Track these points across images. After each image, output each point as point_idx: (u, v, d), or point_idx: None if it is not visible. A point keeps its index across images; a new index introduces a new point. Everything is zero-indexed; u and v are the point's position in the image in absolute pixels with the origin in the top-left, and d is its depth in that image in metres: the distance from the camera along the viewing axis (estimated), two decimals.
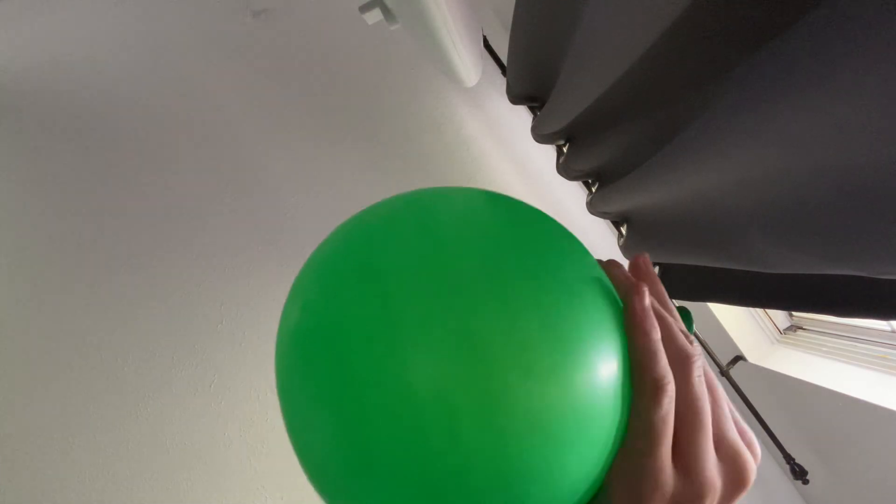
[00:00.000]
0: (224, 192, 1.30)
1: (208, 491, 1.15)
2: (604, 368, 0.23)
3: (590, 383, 0.22)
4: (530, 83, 0.99)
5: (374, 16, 0.79)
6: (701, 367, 0.25)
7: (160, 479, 1.15)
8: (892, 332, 0.96)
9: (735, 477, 0.23)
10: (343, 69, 1.38)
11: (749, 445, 0.25)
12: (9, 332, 1.19)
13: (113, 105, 1.30)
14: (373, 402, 0.21)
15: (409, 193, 0.32)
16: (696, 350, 0.26)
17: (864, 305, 0.54)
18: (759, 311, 1.24)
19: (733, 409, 0.27)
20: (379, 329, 0.22)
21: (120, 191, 1.27)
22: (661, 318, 0.27)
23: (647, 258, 0.33)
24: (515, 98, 1.11)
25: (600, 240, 1.41)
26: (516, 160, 1.41)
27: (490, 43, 1.26)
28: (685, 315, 0.34)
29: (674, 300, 1.20)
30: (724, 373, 1.18)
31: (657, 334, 0.25)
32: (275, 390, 0.31)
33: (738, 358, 1.22)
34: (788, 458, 1.12)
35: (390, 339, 0.22)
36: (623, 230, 1.03)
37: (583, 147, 0.94)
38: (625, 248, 1.03)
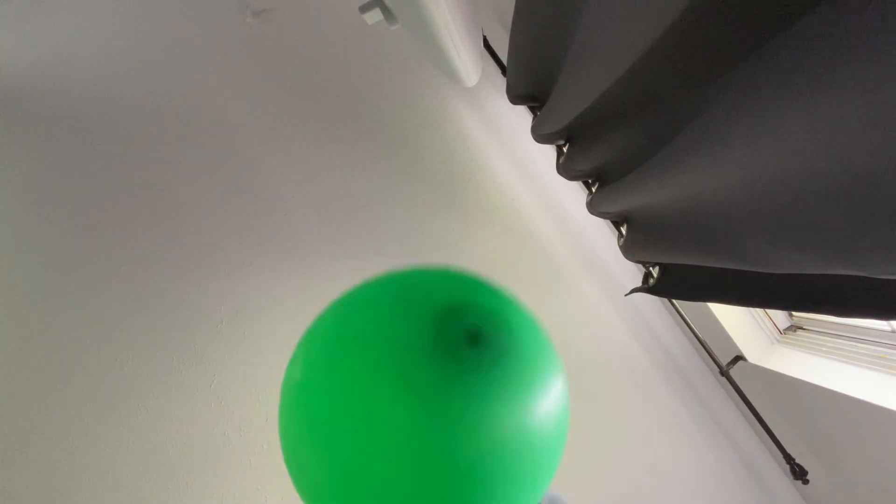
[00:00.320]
0: (224, 191, 1.30)
1: (208, 491, 1.15)
2: None
3: None
4: (530, 83, 0.99)
5: (374, 16, 0.79)
6: None
7: (160, 479, 1.15)
8: (892, 332, 0.96)
9: None
10: (343, 69, 1.38)
11: None
12: (8, 332, 1.19)
13: (112, 105, 1.30)
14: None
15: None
16: None
17: (864, 305, 0.54)
18: (759, 311, 1.24)
19: None
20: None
21: (120, 191, 1.27)
22: None
23: None
24: (515, 98, 1.11)
25: (600, 240, 1.42)
26: (516, 160, 1.41)
27: (490, 43, 1.26)
28: None
29: (674, 300, 1.21)
30: (724, 373, 1.18)
31: None
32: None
33: (738, 358, 1.22)
34: (788, 458, 1.12)
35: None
36: (623, 230, 1.03)
37: (583, 147, 0.94)
38: (625, 248, 1.03)
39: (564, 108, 0.86)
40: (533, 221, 1.38)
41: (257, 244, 1.28)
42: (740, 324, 1.24)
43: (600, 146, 0.85)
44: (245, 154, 1.32)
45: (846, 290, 0.56)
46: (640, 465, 1.28)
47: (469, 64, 0.96)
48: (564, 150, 1.05)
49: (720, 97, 0.46)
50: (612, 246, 1.39)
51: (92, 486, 1.14)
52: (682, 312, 1.22)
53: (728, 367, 1.19)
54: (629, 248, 1.00)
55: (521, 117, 1.42)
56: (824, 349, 1.11)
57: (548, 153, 1.34)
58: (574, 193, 1.42)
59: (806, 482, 1.11)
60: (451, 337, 0.30)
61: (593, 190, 1.03)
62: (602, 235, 1.42)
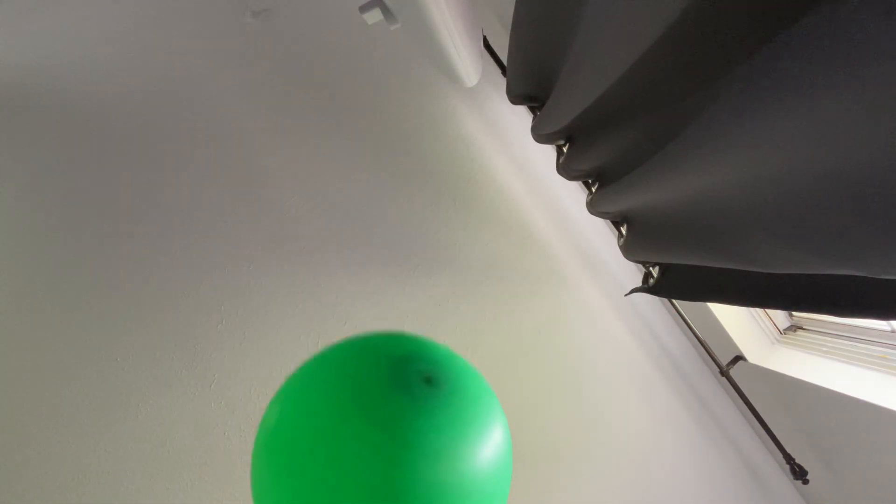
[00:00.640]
0: (223, 192, 1.30)
1: (208, 491, 1.15)
2: None
3: None
4: (530, 83, 0.99)
5: (374, 16, 0.79)
6: None
7: (160, 479, 1.15)
8: (892, 332, 0.96)
9: None
10: (343, 69, 1.38)
11: None
12: (8, 332, 1.19)
13: (112, 105, 1.30)
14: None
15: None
16: None
17: (864, 305, 0.54)
18: (759, 311, 1.24)
19: None
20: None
21: (119, 191, 1.27)
22: None
23: None
24: (515, 98, 1.11)
25: (600, 240, 1.42)
26: (516, 160, 1.41)
27: (490, 43, 1.26)
28: None
29: (674, 300, 1.21)
30: (724, 373, 1.18)
31: None
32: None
33: (738, 358, 1.22)
34: (788, 458, 1.12)
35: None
36: (623, 230, 1.03)
37: (583, 147, 0.94)
38: (625, 248, 1.03)
39: (564, 108, 0.86)
40: (533, 221, 1.38)
41: (257, 244, 1.28)
42: (740, 324, 1.24)
43: (600, 146, 0.85)
44: (244, 154, 1.32)
45: (846, 290, 0.56)
46: (639, 465, 1.28)
47: (469, 64, 0.96)
48: (564, 150, 1.05)
49: (720, 97, 0.46)
50: (612, 246, 1.39)
51: (91, 486, 1.14)
52: (682, 312, 1.22)
53: (728, 367, 1.19)
54: (629, 248, 1.00)
55: (521, 117, 1.42)
56: (824, 349, 1.11)
57: (548, 153, 1.34)
58: (574, 193, 1.42)
59: (806, 482, 1.11)
60: (409, 379, 0.36)
61: (593, 190, 1.03)
62: (602, 235, 1.42)
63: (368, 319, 1.27)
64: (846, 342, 1.06)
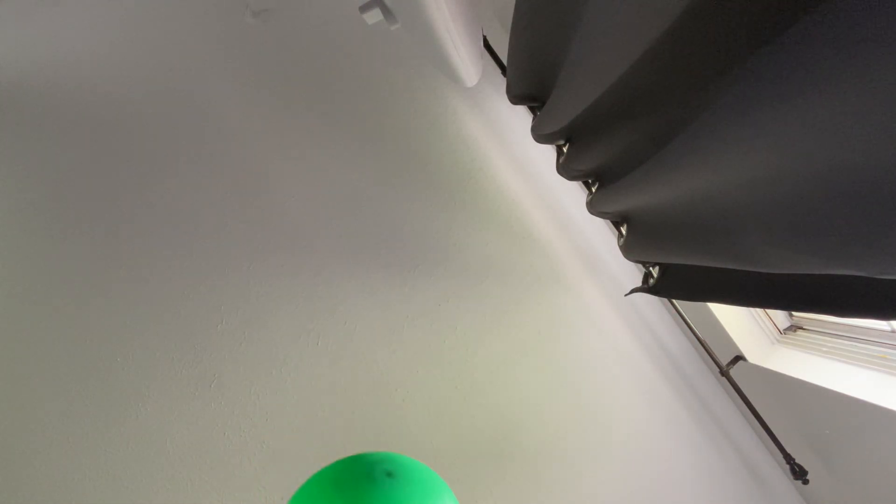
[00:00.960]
0: (223, 192, 1.30)
1: (208, 490, 1.15)
2: None
3: None
4: (530, 83, 0.99)
5: (374, 16, 0.79)
6: None
7: (160, 479, 1.15)
8: (892, 332, 0.96)
9: None
10: (343, 69, 1.38)
11: None
12: (8, 332, 1.19)
13: (111, 105, 1.30)
14: None
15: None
16: None
17: (864, 305, 0.54)
18: (759, 311, 1.24)
19: None
20: None
21: (119, 191, 1.27)
22: None
23: None
24: (515, 98, 1.11)
25: (600, 240, 1.42)
26: (516, 160, 1.41)
27: (490, 43, 1.26)
28: None
29: (674, 300, 1.21)
30: (724, 373, 1.18)
31: None
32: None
33: (738, 358, 1.22)
34: (788, 458, 1.12)
35: None
36: (623, 230, 1.03)
37: (583, 147, 0.94)
38: (625, 248, 1.03)
39: (564, 108, 0.86)
40: (533, 221, 1.38)
41: (257, 244, 1.28)
42: (740, 324, 1.24)
43: (600, 146, 0.85)
44: (245, 154, 1.32)
45: (846, 290, 0.56)
46: (639, 465, 1.28)
47: (469, 64, 0.96)
48: (564, 150, 1.05)
49: (720, 97, 0.46)
50: (612, 246, 1.39)
51: (92, 486, 1.14)
52: (682, 312, 1.22)
53: (728, 367, 1.19)
54: (629, 248, 1.00)
55: (521, 117, 1.42)
56: (824, 349, 1.11)
57: (548, 153, 1.34)
58: (574, 193, 1.42)
59: (806, 482, 1.11)
60: (376, 474, 0.54)
61: (593, 190, 1.03)
62: (602, 235, 1.42)
63: (368, 319, 1.27)
64: (846, 342, 1.06)
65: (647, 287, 1.04)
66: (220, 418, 1.19)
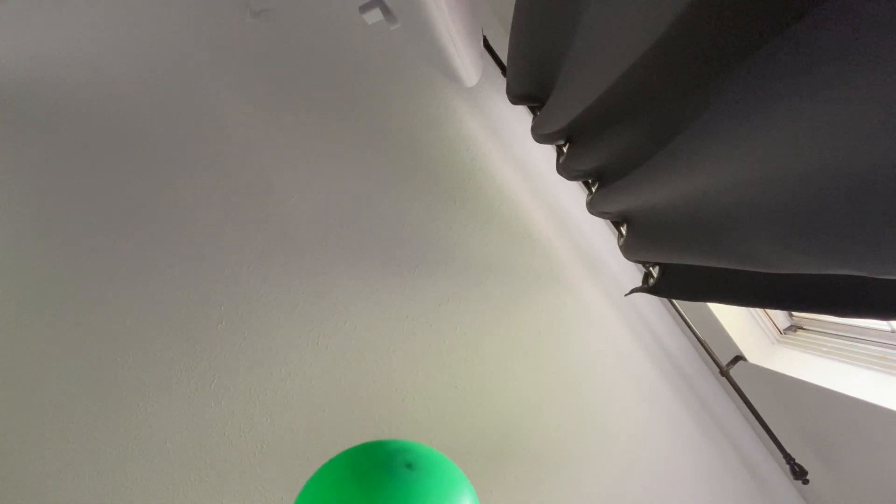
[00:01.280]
0: (224, 192, 1.30)
1: (208, 491, 1.15)
2: None
3: None
4: (530, 83, 0.99)
5: (374, 16, 0.79)
6: None
7: (160, 479, 1.15)
8: (892, 332, 0.96)
9: None
10: (342, 69, 1.38)
11: None
12: (8, 332, 1.19)
13: (111, 106, 1.30)
14: None
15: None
16: None
17: (864, 305, 0.54)
18: (759, 311, 1.24)
19: None
20: None
21: (119, 192, 1.27)
22: None
23: None
24: (515, 98, 1.11)
25: (600, 240, 1.42)
26: (516, 160, 1.41)
27: (490, 43, 1.26)
28: None
29: (674, 300, 1.21)
30: (724, 373, 1.18)
31: None
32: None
33: (738, 358, 1.22)
34: (788, 458, 1.12)
35: None
36: (623, 230, 1.03)
37: (583, 147, 0.94)
38: (625, 248, 1.03)
39: (564, 108, 0.86)
40: (533, 221, 1.38)
41: (257, 244, 1.28)
42: (740, 324, 1.24)
43: (600, 146, 0.85)
44: (244, 154, 1.32)
45: (846, 290, 0.56)
46: (639, 465, 1.28)
47: (469, 64, 0.96)
48: (564, 150, 1.05)
49: (720, 97, 0.46)
50: (612, 246, 1.39)
51: (92, 486, 1.14)
52: (682, 312, 1.22)
53: (728, 367, 1.19)
54: (629, 248, 1.00)
55: (521, 117, 1.42)
56: (824, 349, 1.11)
57: (548, 153, 1.34)
58: (574, 193, 1.42)
59: (806, 482, 1.11)
60: (395, 465, 0.51)
61: (593, 190, 1.03)
62: (602, 235, 1.42)
63: (368, 319, 1.27)
64: (846, 342, 1.06)
65: (647, 287, 1.04)
66: (220, 418, 1.19)
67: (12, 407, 1.16)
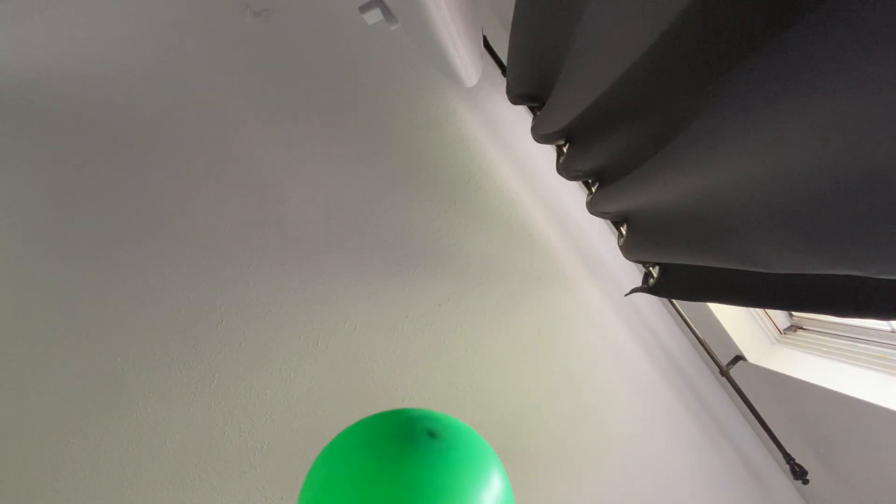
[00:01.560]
0: (224, 192, 1.30)
1: (208, 491, 1.15)
2: None
3: None
4: (530, 83, 0.99)
5: (374, 16, 0.79)
6: None
7: (160, 479, 1.15)
8: (892, 332, 0.96)
9: None
10: (342, 69, 1.38)
11: None
12: (8, 332, 1.19)
13: (111, 106, 1.30)
14: None
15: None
16: None
17: (864, 305, 0.54)
18: (759, 311, 1.24)
19: None
20: None
21: (119, 192, 1.27)
22: None
23: None
24: (515, 98, 1.11)
25: (600, 240, 1.42)
26: (516, 160, 1.41)
27: (490, 43, 1.26)
28: None
29: (674, 300, 1.21)
30: (724, 373, 1.18)
31: None
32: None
33: (738, 358, 1.22)
34: (788, 458, 1.12)
35: None
36: (623, 230, 1.03)
37: (583, 147, 0.94)
38: (625, 248, 1.03)
39: (564, 108, 0.86)
40: (533, 221, 1.38)
41: (257, 244, 1.28)
42: (740, 324, 1.24)
43: (600, 146, 0.85)
44: (244, 154, 1.32)
45: (846, 290, 0.56)
46: (639, 465, 1.28)
47: (469, 64, 0.96)
48: (564, 150, 1.05)
49: (720, 97, 0.46)
50: (612, 246, 1.39)
51: (92, 486, 1.14)
52: (682, 312, 1.22)
53: (728, 367, 1.19)
54: (629, 248, 1.00)
55: (521, 117, 1.42)
56: (824, 349, 1.11)
57: (548, 153, 1.34)
58: (574, 193, 1.42)
59: (806, 482, 1.11)
60: (416, 433, 0.44)
61: (593, 190, 1.03)
62: (602, 235, 1.42)
63: (368, 319, 1.27)
64: (846, 342, 1.06)
65: (647, 287, 1.04)
66: (220, 418, 1.19)
67: (13, 408, 1.16)
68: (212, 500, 1.15)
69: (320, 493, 0.43)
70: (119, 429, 1.17)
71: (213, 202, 1.29)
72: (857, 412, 0.95)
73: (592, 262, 1.40)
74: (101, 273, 1.23)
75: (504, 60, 1.26)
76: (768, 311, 1.24)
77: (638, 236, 0.95)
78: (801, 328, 1.23)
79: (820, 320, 1.16)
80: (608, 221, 1.21)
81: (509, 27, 0.85)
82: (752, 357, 1.21)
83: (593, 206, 1.04)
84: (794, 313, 1.24)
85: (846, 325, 1.08)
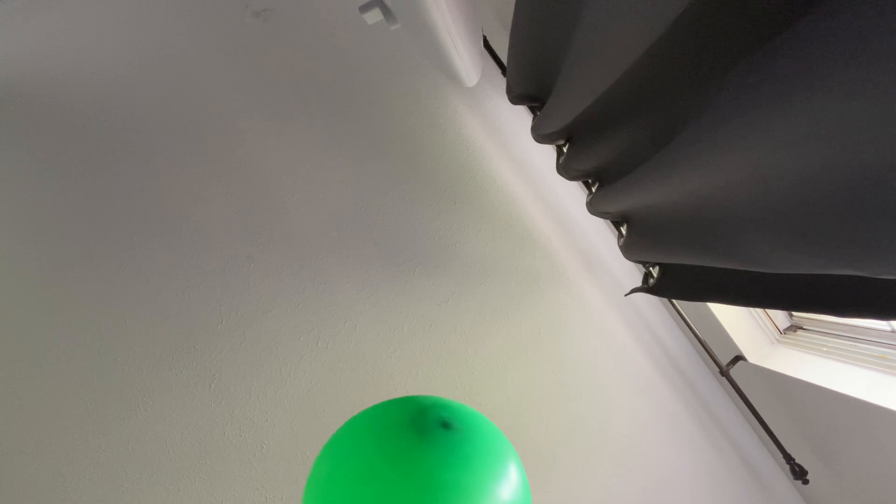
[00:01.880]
0: (224, 192, 1.30)
1: (208, 491, 1.15)
2: None
3: None
4: (530, 83, 0.99)
5: (374, 16, 0.79)
6: None
7: (160, 479, 1.15)
8: (892, 332, 0.96)
9: None
10: (342, 69, 1.38)
11: None
12: (8, 332, 1.19)
13: (111, 106, 1.30)
14: None
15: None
16: None
17: (864, 305, 0.54)
18: (759, 311, 1.24)
19: None
20: None
21: (119, 191, 1.27)
22: None
23: None
24: (515, 98, 1.11)
25: (600, 240, 1.42)
26: (516, 160, 1.41)
27: (490, 43, 1.26)
28: None
29: (674, 300, 1.21)
30: (724, 373, 1.18)
31: None
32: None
33: (738, 358, 1.22)
34: (788, 458, 1.12)
35: None
36: (623, 230, 1.03)
37: (583, 147, 0.94)
38: (625, 248, 1.03)
39: (564, 108, 0.86)
40: (533, 221, 1.38)
41: (257, 244, 1.28)
42: (740, 324, 1.24)
43: (600, 146, 0.85)
44: (244, 153, 1.32)
45: (846, 290, 0.56)
46: (639, 465, 1.28)
47: (469, 64, 0.96)
48: (564, 150, 1.05)
49: (720, 97, 0.46)
50: (612, 246, 1.39)
51: (92, 486, 1.14)
52: (682, 312, 1.22)
53: (728, 367, 1.19)
54: (629, 248, 1.00)
55: (521, 117, 1.42)
56: (824, 349, 1.11)
57: (548, 153, 1.34)
58: (574, 193, 1.42)
59: (806, 482, 1.11)
60: (428, 423, 0.40)
61: (593, 190, 1.03)
62: (602, 235, 1.42)
63: (368, 319, 1.27)
64: (846, 342, 1.06)
65: (647, 287, 1.04)
66: (220, 418, 1.19)
67: (13, 407, 1.16)
68: (212, 500, 1.15)
69: (325, 493, 0.40)
70: (119, 429, 1.17)
71: (213, 202, 1.29)
72: (857, 412, 0.95)
73: (592, 262, 1.40)
74: (101, 273, 1.23)
75: (504, 60, 1.26)
76: (768, 311, 1.24)
77: (638, 236, 0.95)
78: (800, 328, 1.23)
79: (820, 320, 1.16)
80: (608, 221, 1.21)
81: (509, 27, 0.85)
82: (752, 357, 1.21)
83: (593, 206, 1.04)
84: (794, 313, 1.24)
85: (846, 325, 1.08)
